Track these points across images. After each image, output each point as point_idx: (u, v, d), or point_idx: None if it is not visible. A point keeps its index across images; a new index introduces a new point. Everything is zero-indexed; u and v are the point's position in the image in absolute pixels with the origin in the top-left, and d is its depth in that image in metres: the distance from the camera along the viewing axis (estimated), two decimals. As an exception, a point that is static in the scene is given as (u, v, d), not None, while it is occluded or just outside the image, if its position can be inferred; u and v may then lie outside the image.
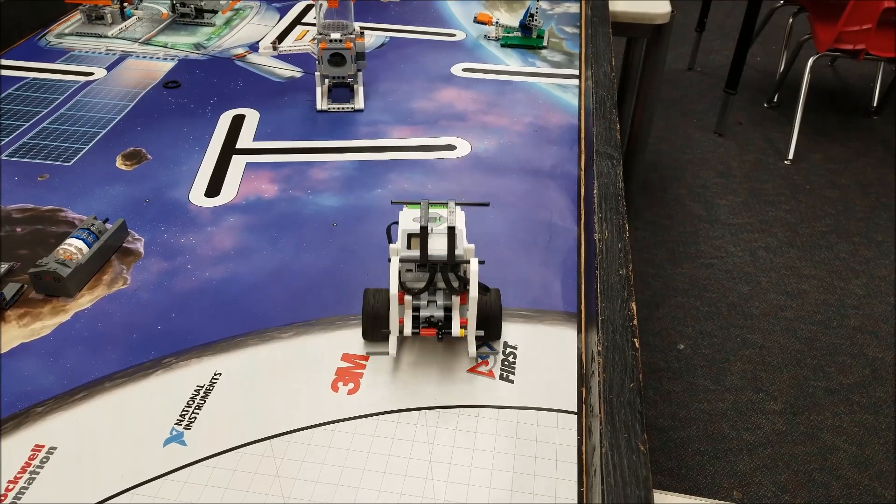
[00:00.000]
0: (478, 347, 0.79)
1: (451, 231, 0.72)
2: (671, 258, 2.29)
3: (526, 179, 1.07)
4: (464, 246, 0.73)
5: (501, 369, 0.78)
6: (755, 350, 2.00)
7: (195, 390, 0.75)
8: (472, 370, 0.78)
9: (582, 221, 0.97)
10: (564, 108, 1.25)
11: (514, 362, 0.79)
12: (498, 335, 0.80)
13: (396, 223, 0.78)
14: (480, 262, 0.73)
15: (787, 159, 2.73)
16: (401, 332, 0.75)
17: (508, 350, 0.80)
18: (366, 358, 0.79)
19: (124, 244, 0.93)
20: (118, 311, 0.84)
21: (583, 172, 1.05)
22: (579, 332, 0.82)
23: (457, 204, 0.75)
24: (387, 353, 0.77)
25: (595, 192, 0.87)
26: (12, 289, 0.84)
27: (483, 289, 0.74)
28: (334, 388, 0.76)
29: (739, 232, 2.40)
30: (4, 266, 0.87)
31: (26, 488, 0.66)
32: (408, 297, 0.74)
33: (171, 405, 0.73)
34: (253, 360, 0.78)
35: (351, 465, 0.68)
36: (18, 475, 0.67)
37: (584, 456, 0.69)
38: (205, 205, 1.01)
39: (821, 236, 2.39)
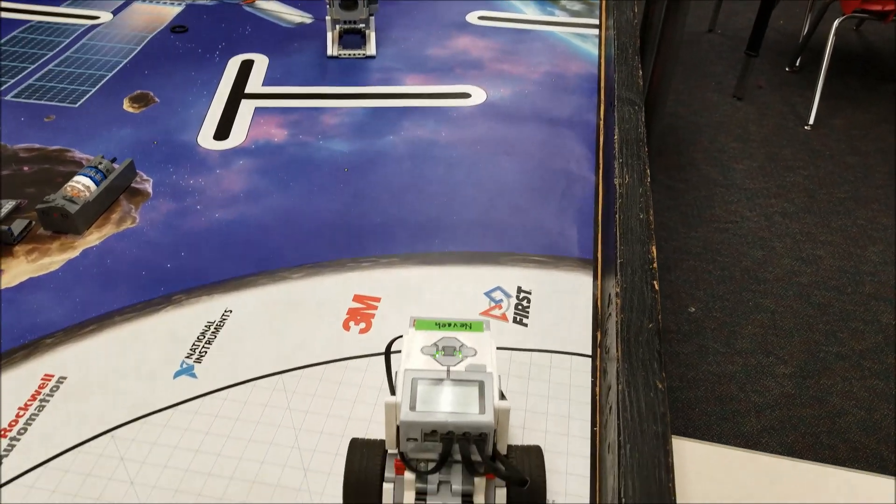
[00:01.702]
0: None
1: (481, 387, 0.52)
2: (685, 222, 2.26)
3: (543, 128, 1.05)
4: (494, 404, 0.51)
5: (515, 313, 0.77)
6: (767, 314, 1.98)
7: (206, 326, 0.74)
8: (486, 313, 0.77)
9: (600, 170, 0.95)
10: (584, 57, 1.22)
11: (528, 307, 0.78)
12: None
13: (401, 338, 0.58)
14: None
15: (807, 124, 2.68)
16: None
17: (522, 294, 0.79)
18: (377, 299, 0.78)
19: (132, 184, 0.92)
20: (127, 248, 0.83)
21: (602, 121, 1.03)
22: (595, 278, 0.80)
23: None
24: None
25: (616, 137, 0.85)
26: (20, 225, 0.83)
27: (519, 479, 0.51)
28: (346, 327, 0.75)
29: (755, 197, 2.36)
30: (12, 203, 0.86)
31: (36, 415, 0.65)
32: (409, 475, 0.53)
33: (181, 339, 0.73)
34: (264, 299, 0.77)
35: (363, 400, 0.67)
36: (28, 402, 0.66)
37: (598, 397, 0.68)
38: (213, 148, 1.00)
39: (839, 203, 2.35)
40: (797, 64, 3.00)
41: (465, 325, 0.59)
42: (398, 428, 0.52)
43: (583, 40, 1.28)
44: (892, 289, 2.06)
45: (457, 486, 0.53)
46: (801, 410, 1.73)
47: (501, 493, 0.54)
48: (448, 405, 0.51)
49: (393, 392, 0.58)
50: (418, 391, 0.52)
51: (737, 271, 2.10)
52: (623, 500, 0.51)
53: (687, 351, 1.87)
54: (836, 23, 2.60)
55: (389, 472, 0.54)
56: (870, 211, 2.33)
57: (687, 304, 2.00)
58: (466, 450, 0.50)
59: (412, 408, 0.51)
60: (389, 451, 0.55)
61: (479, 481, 0.53)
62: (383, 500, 0.54)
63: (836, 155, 2.57)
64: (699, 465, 0.80)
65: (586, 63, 1.20)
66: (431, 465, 0.53)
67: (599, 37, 1.27)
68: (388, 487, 0.54)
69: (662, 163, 2.48)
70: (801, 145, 2.61)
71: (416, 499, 0.53)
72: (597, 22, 1.33)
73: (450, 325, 0.59)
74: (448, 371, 0.54)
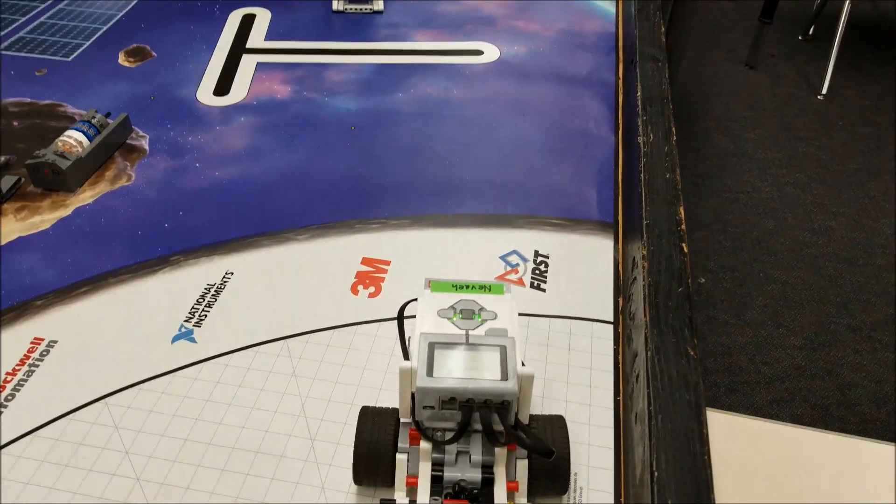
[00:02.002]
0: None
1: (503, 352, 0.48)
2: (696, 191, 2.21)
3: (559, 87, 1.00)
4: (517, 370, 0.48)
5: (532, 278, 0.73)
6: (778, 286, 1.94)
7: (205, 288, 0.70)
8: (501, 277, 0.72)
9: (620, 130, 0.90)
10: (601, 14, 1.17)
11: (546, 271, 0.73)
12: (564, 489, 0.53)
13: (415, 301, 0.54)
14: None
15: (820, 94, 2.62)
16: (412, 502, 0.49)
17: (540, 259, 0.75)
18: (387, 262, 0.74)
19: (128, 141, 0.87)
20: (122, 207, 0.78)
21: (621, 80, 0.98)
22: (616, 242, 0.76)
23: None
24: None
25: (639, 94, 0.80)
26: (9, 181, 0.79)
27: (545, 450, 0.47)
28: (354, 291, 0.71)
29: (767, 167, 2.31)
30: (1, 159, 0.82)
31: (25, 380, 0.61)
32: (425, 444, 0.49)
33: (179, 302, 0.69)
34: (267, 261, 0.73)
35: (373, 367, 0.63)
36: (17, 367, 0.62)
37: (621, 365, 0.64)
38: (213, 104, 0.95)
39: (851, 174, 2.30)
40: (810, 33, 2.93)
41: (485, 288, 0.55)
42: (413, 395, 0.49)
43: (599, -3, 1.22)
44: (905, 261, 2.03)
45: (476, 456, 0.49)
46: (812, 382, 1.70)
47: (523, 465, 0.50)
48: (468, 371, 0.47)
49: (406, 358, 0.54)
50: (435, 356, 0.48)
51: (748, 242, 2.06)
52: (655, 472, 0.47)
53: (697, 322, 1.84)
54: (851, -11, 2.52)
55: (403, 443, 0.50)
56: (882, 182, 2.28)
57: (697, 274, 1.97)
58: (487, 418, 0.47)
59: (429, 373, 0.47)
60: (403, 421, 0.51)
61: (500, 452, 0.49)
62: (397, 472, 0.50)
63: (848, 126, 2.52)
64: (723, 435, 0.77)
65: (603, 21, 1.15)
66: (449, 435, 0.49)
67: (617, -7, 1.21)
68: (401, 458, 0.50)
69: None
70: (813, 115, 2.55)
71: (433, 470, 0.49)
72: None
73: (468, 287, 0.55)
74: (467, 335, 0.50)
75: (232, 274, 0.72)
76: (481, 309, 0.52)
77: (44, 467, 0.56)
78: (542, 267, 0.74)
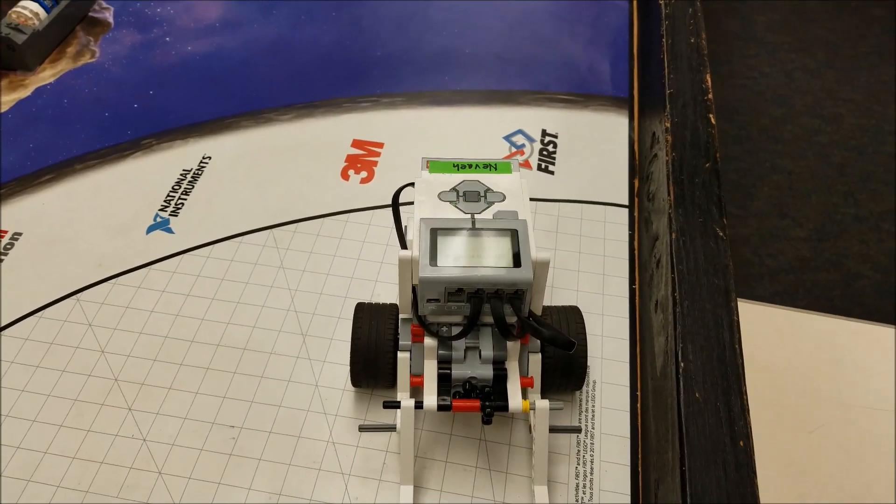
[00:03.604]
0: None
1: (514, 236, 0.43)
2: (699, 79, 2.13)
3: (564, -50, 0.90)
4: (532, 257, 0.42)
5: (539, 159, 0.67)
6: (784, 175, 1.89)
7: (181, 174, 0.64)
8: (508, 157, 0.66)
9: (633, -5, 0.82)
10: None
11: (555, 152, 0.67)
12: (580, 384, 0.49)
13: (411, 185, 0.48)
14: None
15: (833, -28, 2.48)
16: (418, 403, 0.44)
17: (548, 138, 0.68)
18: (380, 144, 0.68)
19: (90, 13, 0.79)
20: (86, 86, 0.71)
21: (633, -59, 0.88)
22: (632, 118, 0.70)
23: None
24: (392, 430, 0.46)
25: (656, -48, 0.72)
26: (-41, 59, 0.71)
27: (565, 342, 0.41)
28: (344, 176, 0.65)
29: (776, 51, 2.21)
30: (-51, 35, 0.74)
31: (-13, 276, 0.56)
32: (430, 341, 0.45)
33: (153, 190, 0.63)
34: (247, 144, 0.67)
35: (367, 258, 0.58)
36: (-23, 262, 0.57)
37: (637, 252, 0.59)
38: (185, -28, 0.85)
39: (863, 57, 2.20)
40: None
41: (490, 166, 0.49)
42: (414, 288, 0.44)
43: None
44: (916, 149, 1.96)
45: (487, 352, 0.44)
46: (816, 274, 1.68)
47: (536, 360, 0.46)
48: (476, 259, 0.42)
49: (404, 247, 0.49)
50: (439, 243, 0.43)
51: (754, 130, 1.99)
52: (681, 363, 0.43)
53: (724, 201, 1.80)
54: None
55: (405, 340, 0.46)
56: (894, 67, 2.19)
57: (700, 165, 1.91)
58: (499, 310, 0.42)
59: (432, 262, 0.42)
60: (403, 317, 0.46)
61: (513, 347, 0.45)
62: (399, 372, 0.46)
63: (861, 6, 2.39)
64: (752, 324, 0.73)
65: None
66: (455, 330, 0.44)
67: None
68: (403, 357, 0.46)
69: (678, 13, 2.31)
70: (827, -5, 2.42)
71: (439, 368, 0.45)
72: None
73: (471, 165, 0.49)
74: (473, 219, 0.44)
75: (210, 158, 0.65)
76: (487, 190, 0.47)
77: (13, 368, 0.52)
78: (549, 147, 0.67)
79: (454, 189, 0.47)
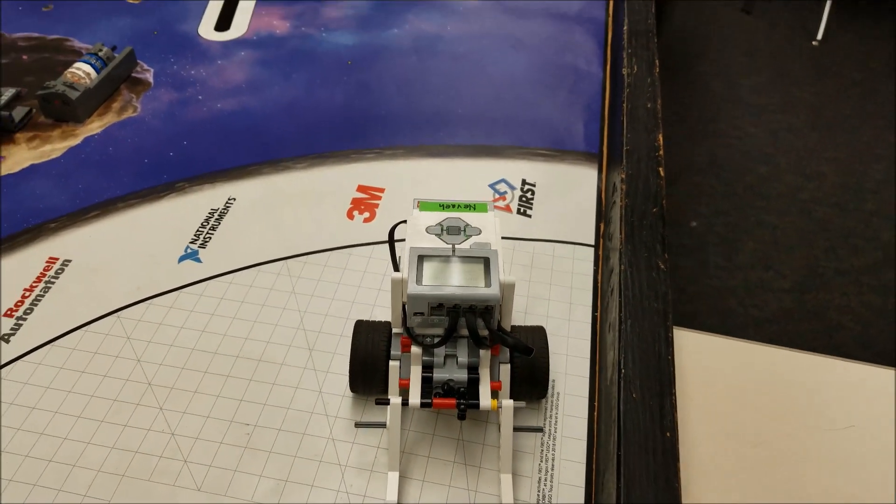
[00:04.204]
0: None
1: (486, 262, 0.52)
2: (689, 136, 2.24)
3: (551, 23, 1.02)
4: (499, 278, 0.51)
5: (519, 204, 0.77)
6: (768, 230, 1.98)
7: (209, 213, 0.74)
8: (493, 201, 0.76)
9: (608, 65, 0.93)
10: (593, -47, 1.18)
11: (532, 198, 0.77)
12: (543, 393, 0.58)
13: (404, 223, 0.57)
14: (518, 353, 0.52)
15: (815, 40, 2.62)
16: (405, 401, 0.53)
17: (527, 187, 0.78)
18: (381, 189, 0.78)
19: (133, 74, 0.90)
20: (129, 136, 0.82)
21: (611, 17, 1.00)
22: (600, 171, 0.80)
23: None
24: (383, 427, 0.56)
25: (625, 28, 0.83)
26: (21, 112, 0.82)
27: (525, 348, 0.51)
28: (350, 216, 0.75)
29: (761, 112, 2.33)
30: (12, 91, 0.85)
31: (42, 296, 0.66)
32: (416, 349, 0.54)
33: (185, 225, 0.73)
34: (267, 188, 0.77)
35: (367, 286, 0.68)
36: (34, 284, 0.67)
37: (599, 284, 0.68)
38: (215, 38, 0.97)
39: (844, 119, 2.32)
40: (811, -23, 2.91)
41: (469, 206, 0.59)
42: (404, 305, 0.53)
43: (593, -64, 1.23)
44: (894, 206, 2.06)
45: (463, 358, 0.53)
46: (799, 325, 1.75)
47: (506, 369, 0.55)
48: (454, 280, 0.51)
49: (397, 270, 0.59)
50: (424, 267, 0.52)
51: (740, 187, 2.09)
52: (623, 370, 0.52)
53: (688, 265, 1.88)
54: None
55: (395, 350, 0.55)
56: (875, 128, 2.30)
57: (690, 218, 2.00)
58: (473, 322, 0.51)
59: (418, 282, 0.51)
60: (395, 331, 0.55)
61: (485, 355, 0.54)
62: (390, 377, 0.55)
63: (843, 71, 2.52)
64: (699, 354, 0.81)
65: (596, -40, 1.16)
66: (437, 340, 0.53)
67: (611, -68, 1.22)
68: (394, 365, 0.54)
69: (668, 76, 2.44)
70: (808, 61, 2.55)
71: (423, 372, 0.53)
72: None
73: (454, 206, 0.59)
74: (453, 248, 0.54)
75: (234, 200, 0.75)
76: (466, 225, 0.56)
77: (62, 373, 0.60)
78: (528, 195, 0.77)
79: (439, 224, 0.57)
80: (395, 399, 0.53)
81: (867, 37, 2.66)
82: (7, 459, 0.55)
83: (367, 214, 0.75)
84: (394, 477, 0.53)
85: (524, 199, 0.77)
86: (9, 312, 0.64)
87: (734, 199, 2.05)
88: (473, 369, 0.53)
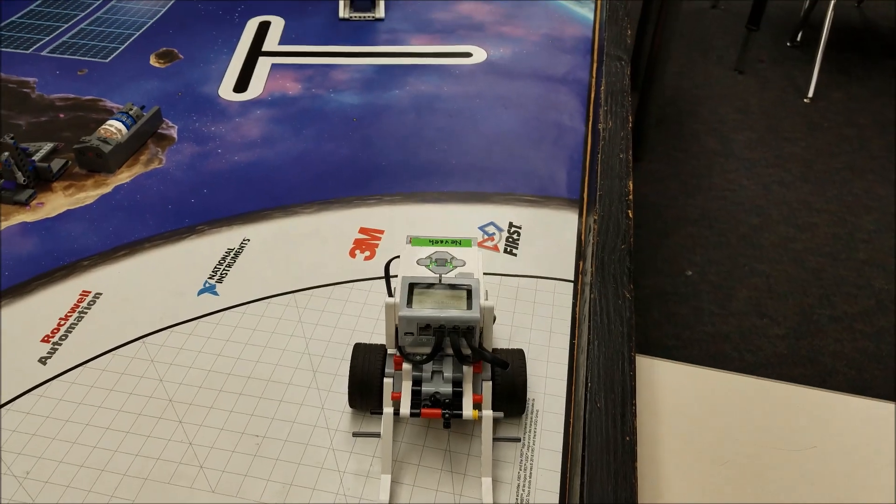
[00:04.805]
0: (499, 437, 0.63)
1: (469, 290, 0.60)
2: (684, 190, 2.32)
3: (539, 84, 1.12)
4: (480, 304, 0.59)
5: (506, 245, 0.84)
6: (762, 278, 2.04)
7: (226, 252, 0.82)
8: (479, 245, 0.84)
9: (590, 121, 1.02)
10: (580, 20, 1.29)
11: (518, 239, 0.85)
12: (522, 409, 0.64)
13: (398, 258, 0.65)
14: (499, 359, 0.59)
15: (806, 97, 2.73)
16: (396, 411, 0.60)
17: (513, 229, 0.86)
18: (381, 231, 0.86)
19: (159, 130, 1.00)
20: (155, 185, 0.91)
21: (594, 78, 1.10)
22: (581, 215, 0.88)
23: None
24: (378, 436, 0.61)
25: (603, 88, 0.92)
26: (58, 164, 0.92)
27: (501, 363, 0.59)
28: (352, 255, 0.83)
29: (754, 166, 2.42)
30: (50, 145, 0.94)
31: (76, 324, 0.74)
32: (407, 366, 0.60)
33: (204, 263, 0.81)
34: (278, 230, 0.85)
35: (366, 316, 0.75)
36: (69, 314, 0.75)
37: (577, 315, 0.75)
38: (233, 99, 1.07)
39: (835, 173, 2.40)
40: (798, 39, 3.04)
41: (456, 242, 0.66)
42: (396, 326, 0.60)
43: (580, 5, 1.34)
44: (886, 255, 2.12)
45: (448, 374, 0.60)
46: (793, 370, 1.79)
47: (487, 386, 0.61)
48: (440, 304, 0.59)
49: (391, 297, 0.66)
50: (414, 293, 0.60)
51: (733, 237, 2.16)
52: (590, 384, 0.59)
53: (683, 312, 1.94)
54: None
55: (389, 368, 0.62)
56: (865, 181, 2.38)
57: (685, 267, 2.07)
58: (456, 342, 0.58)
59: (408, 305, 0.59)
60: (389, 351, 0.62)
61: (468, 371, 0.61)
62: (384, 391, 0.61)
63: (833, 127, 2.62)
64: (672, 383, 0.87)
65: (582, 27, 1.27)
66: (425, 357, 0.60)
67: (596, 3, 1.33)
68: (388, 381, 0.61)
69: (663, 133, 2.54)
70: (799, 117, 2.65)
71: (413, 386, 0.60)
72: (595, -12, 1.39)
73: (442, 241, 0.67)
74: (440, 278, 0.61)
75: (248, 240, 0.84)
76: (452, 258, 0.64)
77: (93, 391, 0.68)
78: (514, 236, 0.85)
79: (429, 257, 0.64)
80: (387, 409, 0.60)
81: (856, 94, 2.77)
82: (43, 465, 0.62)
83: (367, 253, 0.83)
84: (386, 479, 0.60)
85: (511, 239, 0.85)
86: (46, 338, 0.72)
87: (728, 249, 2.12)
88: (458, 384, 0.60)
